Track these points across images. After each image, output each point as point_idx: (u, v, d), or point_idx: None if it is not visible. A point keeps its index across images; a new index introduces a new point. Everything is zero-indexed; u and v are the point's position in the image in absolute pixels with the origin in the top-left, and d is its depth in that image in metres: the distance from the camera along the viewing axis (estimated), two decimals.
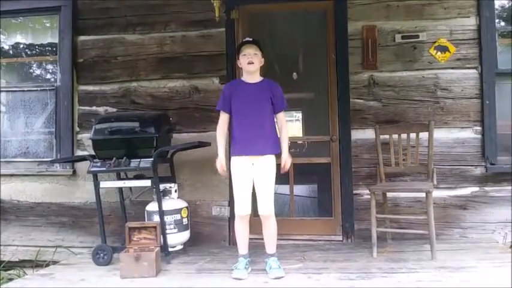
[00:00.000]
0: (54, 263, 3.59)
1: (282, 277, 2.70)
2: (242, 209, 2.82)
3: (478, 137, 3.60)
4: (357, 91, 3.72)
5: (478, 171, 3.59)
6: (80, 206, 3.96)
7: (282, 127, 2.92)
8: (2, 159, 4.10)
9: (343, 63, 3.73)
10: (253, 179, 2.82)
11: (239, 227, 2.87)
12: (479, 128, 3.60)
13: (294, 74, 5.66)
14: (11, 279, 3.44)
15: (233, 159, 2.88)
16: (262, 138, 2.82)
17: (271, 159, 2.84)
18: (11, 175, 4.05)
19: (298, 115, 9.90)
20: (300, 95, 6.55)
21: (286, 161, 2.86)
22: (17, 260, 3.95)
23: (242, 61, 2.89)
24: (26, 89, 4.18)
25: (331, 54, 3.81)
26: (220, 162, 2.86)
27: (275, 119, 2.92)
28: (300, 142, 6.67)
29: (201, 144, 3.40)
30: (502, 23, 3.85)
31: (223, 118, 2.95)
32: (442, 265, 2.81)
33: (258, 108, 2.83)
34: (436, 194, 3.32)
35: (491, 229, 3.55)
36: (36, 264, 3.85)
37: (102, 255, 3.18)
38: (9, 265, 3.91)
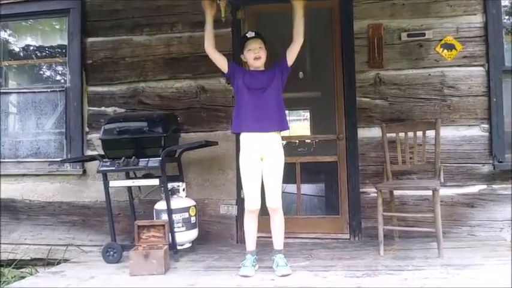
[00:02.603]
0: (65, 261, 3.66)
1: (289, 274, 2.72)
2: (252, 203, 2.84)
3: (486, 135, 3.59)
4: (363, 89, 3.72)
5: (486, 169, 3.58)
6: (90, 205, 4.02)
7: None
8: (13, 160, 4.19)
9: (349, 62, 3.74)
10: (262, 172, 2.85)
11: (248, 222, 2.89)
12: (486, 126, 3.58)
13: (300, 73, 5.66)
14: (23, 277, 3.50)
15: (241, 138, 2.88)
16: (268, 116, 2.80)
17: (279, 152, 2.84)
18: (23, 175, 4.12)
19: (306, 114, 9.92)
20: (307, 94, 6.56)
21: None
22: (29, 258, 4.02)
23: (248, 56, 2.89)
24: (36, 90, 4.25)
25: (336, 53, 3.82)
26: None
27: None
28: (308, 141, 6.66)
29: (208, 144, 3.43)
30: (511, 20, 3.83)
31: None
32: (448, 263, 2.81)
33: (262, 89, 2.80)
34: (443, 192, 3.32)
35: (499, 227, 3.53)
36: (47, 262, 3.92)
37: (111, 253, 3.24)
38: (21, 263, 3.98)
